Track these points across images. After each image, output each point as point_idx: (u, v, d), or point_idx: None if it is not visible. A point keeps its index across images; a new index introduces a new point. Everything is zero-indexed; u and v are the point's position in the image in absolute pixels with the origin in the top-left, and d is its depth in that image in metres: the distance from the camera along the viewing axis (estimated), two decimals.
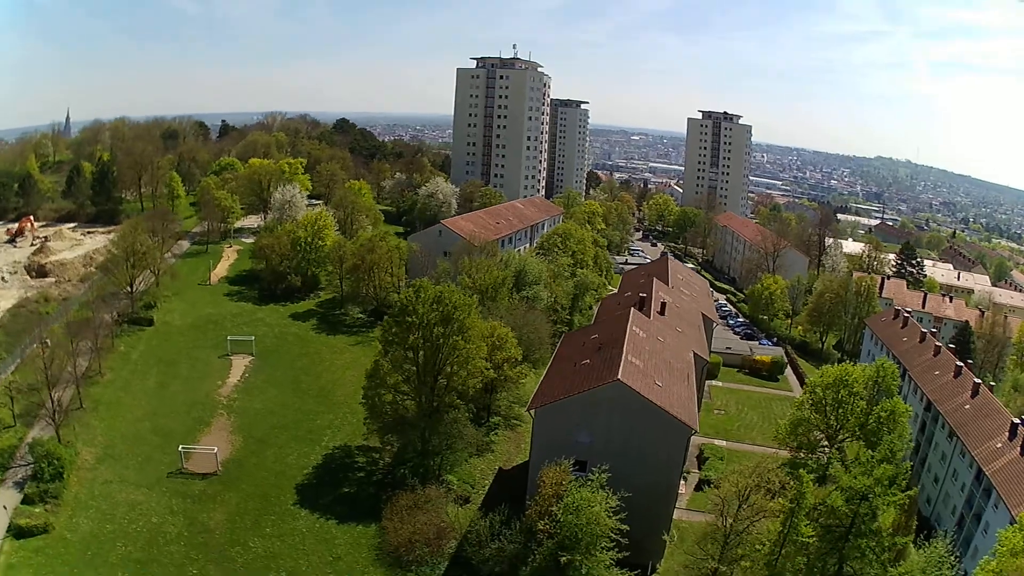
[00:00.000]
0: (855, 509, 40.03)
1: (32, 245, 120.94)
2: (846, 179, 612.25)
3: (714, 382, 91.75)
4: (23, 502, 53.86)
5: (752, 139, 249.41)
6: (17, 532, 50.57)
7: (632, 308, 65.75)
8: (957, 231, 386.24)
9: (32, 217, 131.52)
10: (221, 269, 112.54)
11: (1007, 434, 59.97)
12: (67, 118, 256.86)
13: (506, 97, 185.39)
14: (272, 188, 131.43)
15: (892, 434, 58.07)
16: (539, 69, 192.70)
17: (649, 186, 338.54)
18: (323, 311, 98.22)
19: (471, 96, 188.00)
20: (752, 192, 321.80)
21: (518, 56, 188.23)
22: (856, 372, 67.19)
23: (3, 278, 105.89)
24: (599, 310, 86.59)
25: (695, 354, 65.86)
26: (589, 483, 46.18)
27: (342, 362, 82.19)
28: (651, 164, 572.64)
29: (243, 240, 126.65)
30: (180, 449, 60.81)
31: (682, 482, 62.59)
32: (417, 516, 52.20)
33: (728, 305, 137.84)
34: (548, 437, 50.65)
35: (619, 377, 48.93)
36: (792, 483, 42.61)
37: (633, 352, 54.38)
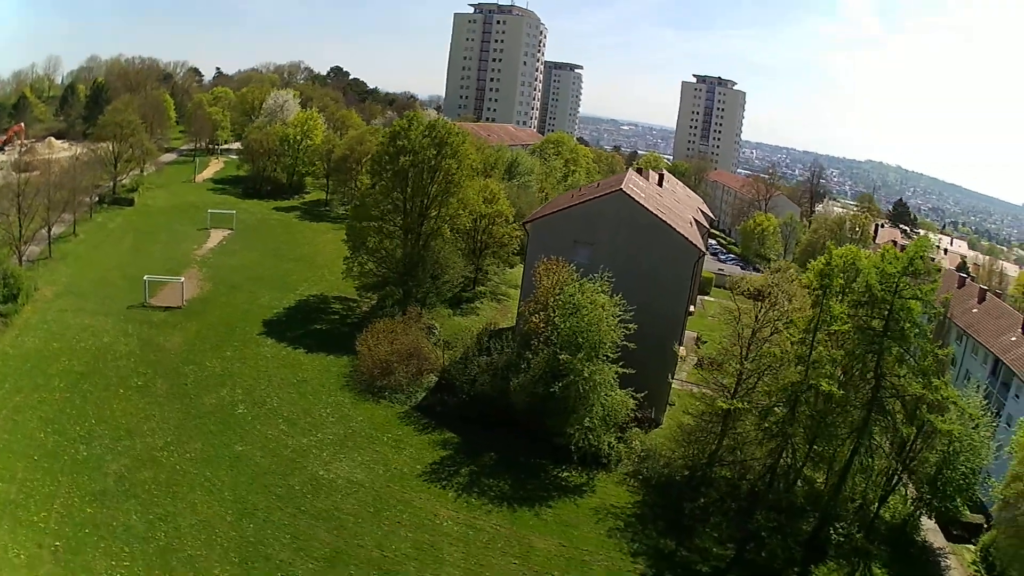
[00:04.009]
0: (891, 300, 35.24)
1: (20, 152, 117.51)
2: (835, 179, 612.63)
3: (707, 298, 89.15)
4: None
5: (745, 110, 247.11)
6: None
7: (629, 169, 62.82)
8: (947, 226, 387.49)
9: (23, 124, 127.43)
10: (207, 173, 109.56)
11: (1021, 329, 57.80)
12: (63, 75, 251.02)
13: (502, 42, 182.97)
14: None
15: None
16: (536, 18, 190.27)
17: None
18: (307, 207, 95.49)
19: (467, 40, 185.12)
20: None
21: (515, 3, 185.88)
22: (863, 255, 64.56)
23: None
24: None
25: (695, 220, 62.92)
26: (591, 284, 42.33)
27: (324, 240, 79.19)
28: (640, 152, 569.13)
29: (231, 156, 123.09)
30: (145, 279, 56.98)
31: (681, 348, 59.44)
32: (396, 338, 48.30)
33: (719, 246, 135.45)
34: (544, 255, 46.47)
35: (622, 188, 45.83)
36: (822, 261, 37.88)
37: (635, 186, 51.39)
